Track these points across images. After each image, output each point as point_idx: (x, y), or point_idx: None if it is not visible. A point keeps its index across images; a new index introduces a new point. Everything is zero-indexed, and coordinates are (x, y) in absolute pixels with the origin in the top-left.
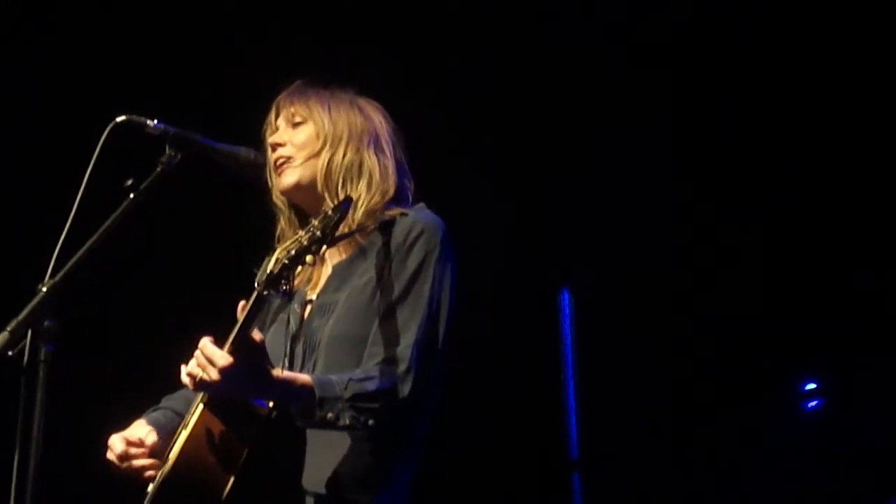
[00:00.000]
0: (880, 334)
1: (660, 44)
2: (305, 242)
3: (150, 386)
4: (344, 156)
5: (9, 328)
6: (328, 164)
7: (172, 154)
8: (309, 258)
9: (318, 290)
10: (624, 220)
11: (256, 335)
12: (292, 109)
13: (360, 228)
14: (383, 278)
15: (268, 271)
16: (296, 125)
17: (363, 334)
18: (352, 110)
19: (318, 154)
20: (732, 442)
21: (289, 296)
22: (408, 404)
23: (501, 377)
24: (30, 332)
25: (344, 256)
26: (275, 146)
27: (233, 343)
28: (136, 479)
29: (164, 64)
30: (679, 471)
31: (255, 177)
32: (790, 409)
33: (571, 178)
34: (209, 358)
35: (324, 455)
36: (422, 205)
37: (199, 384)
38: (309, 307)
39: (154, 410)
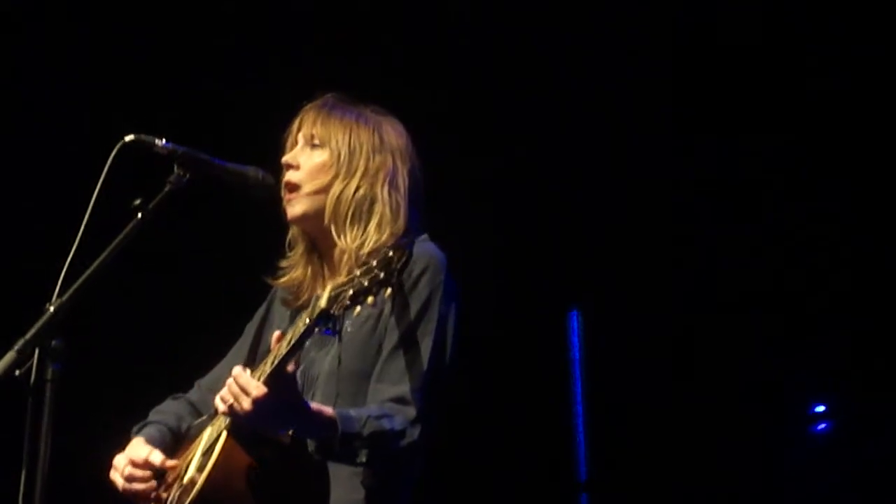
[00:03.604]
0: (890, 357)
1: (673, 61)
2: (366, 284)
3: (155, 403)
4: (356, 190)
5: (16, 347)
6: (338, 197)
7: (181, 174)
8: (370, 300)
9: None
10: (633, 242)
11: (290, 367)
12: (313, 130)
13: (370, 270)
14: (385, 314)
15: (322, 308)
16: (313, 146)
17: (362, 369)
18: (373, 138)
19: (328, 186)
20: (741, 464)
21: (337, 334)
22: (418, 447)
23: (510, 398)
24: (37, 352)
25: None
26: (287, 166)
27: (270, 374)
28: (141, 500)
29: (173, 82)
30: (688, 493)
31: (263, 196)
32: (799, 432)
33: (581, 199)
34: (243, 387)
35: (338, 480)
36: (425, 236)
37: (231, 412)
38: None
39: (145, 425)
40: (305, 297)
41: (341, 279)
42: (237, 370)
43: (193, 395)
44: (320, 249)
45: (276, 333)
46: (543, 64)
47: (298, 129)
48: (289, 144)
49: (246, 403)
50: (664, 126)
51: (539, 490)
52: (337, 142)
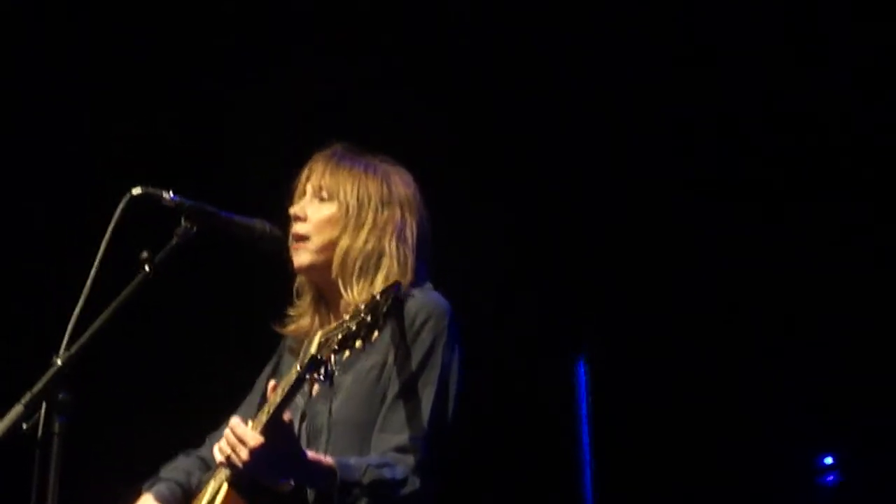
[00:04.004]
0: None
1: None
2: (354, 328)
3: (163, 458)
4: (364, 243)
5: (23, 400)
6: (346, 251)
7: (188, 226)
8: (358, 344)
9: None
10: (641, 290)
11: (286, 416)
12: (321, 181)
13: (357, 314)
14: (389, 364)
15: (311, 354)
16: (322, 199)
17: (366, 419)
18: (382, 190)
19: (336, 239)
20: None
21: (330, 380)
22: (419, 495)
23: (517, 447)
24: (44, 405)
25: None
26: (296, 218)
27: (266, 424)
28: None
29: (180, 136)
30: None
31: (270, 249)
32: (807, 484)
33: (589, 247)
34: (240, 438)
35: None
36: (429, 285)
37: (229, 463)
38: (316, 386)
39: (155, 482)
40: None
41: (331, 326)
42: (234, 421)
43: (204, 450)
44: (327, 299)
45: (272, 384)
46: (553, 104)
47: (307, 179)
48: (297, 194)
49: (243, 454)
50: (674, 179)
51: None
52: (345, 195)
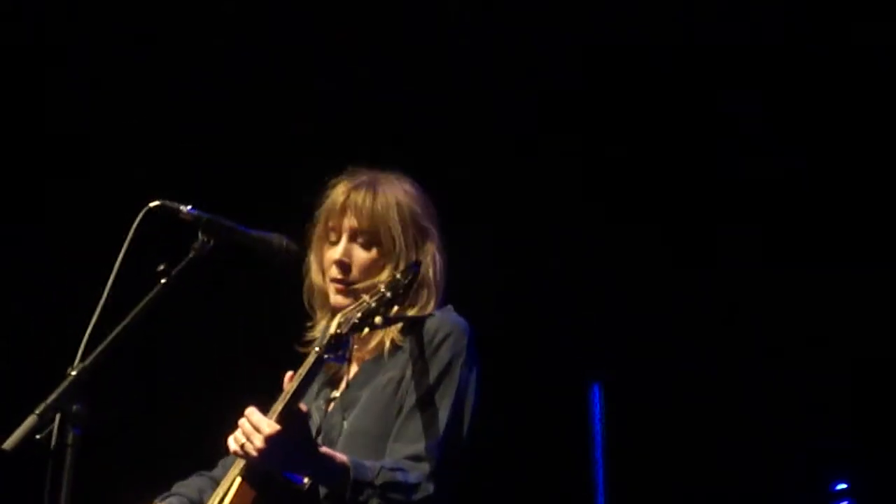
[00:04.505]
0: None
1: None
2: (374, 305)
3: (173, 471)
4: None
5: (37, 411)
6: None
7: (205, 240)
8: (378, 320)
9: (343, 387)
10: (655, 315)
11: (303, 406)
12: (360, 227)
13: (377, 292)
14: (407, 378)
15: (330, 333)
16: (361, 244)
17: (381, 431)
18: (416, 225)
19: (380, 274)
20: None
21: (347, 361)
22: (432, 502)
23: (531, 473)
24: (58, 416)
25: (370, 356)
26: (340, 264)
27: (281, 412)
28: None
29: (197, 149)
30: None
31: (287, 263)
32: None
33: (601, 270)
34: (255, 426)
35: None
36: (450, 307)
37: (244, 452)
38: (332, 404)
39: (167, 497)
40: (332, 370)
41: (349, 308)
42: (249, 409)
43: (217, 472)
44: None
45: (288, 374)
46: (561, 124)
47: (341, 217)
48: (329, 227)
49: (258, 441)
50: (682, 205)
51: None
52: (386, 238)
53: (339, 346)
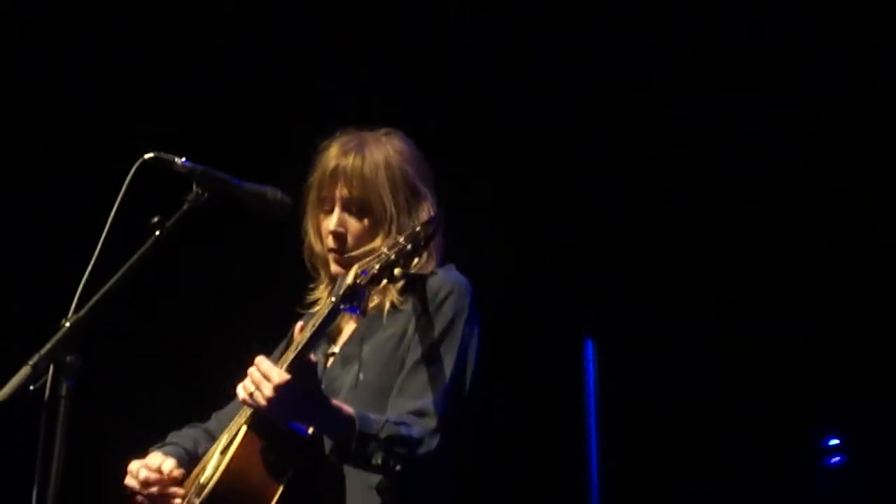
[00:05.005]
0: None
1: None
2: (393, 257)
3: (167, 422)
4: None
5: (31, 362)
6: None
7: (199, 192)
8: (397, 271)
9: (341, 342)
10: (649, 270)
11: (313, 358)
12: (352, 194)
13: (397, 244)
14: (409, 333)
15: (347, 284)
16: (354, 212)
17: (384, 385)
18: (408, 185)
19: (374, 240)
20: (754, 495)
21: (362, 312)
22: (434, 457)
23: (524, 427)
24: (52, 367)
25: (370, 313)
26: (336, 234)
27: (292, 362)
28: None
29: (193, 100)
30: None
31: (280, 216)
32: (812, 465)
33: (597, 225)
34: (265, 374)
35: (353, 495)
36: (451, 265)
37: (253, 400)
38: (332, 359)
39: (162, 446)
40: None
41: (366, 259)
42: (259, 358)
43: (211, 424)
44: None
45: (299, 324)
46: (566, 89)
47: (332, 183)
48: (323, 196)
49: (267, 390)
50: (681, 154)
51: None
52: (379, 204)
53: (354, 297)
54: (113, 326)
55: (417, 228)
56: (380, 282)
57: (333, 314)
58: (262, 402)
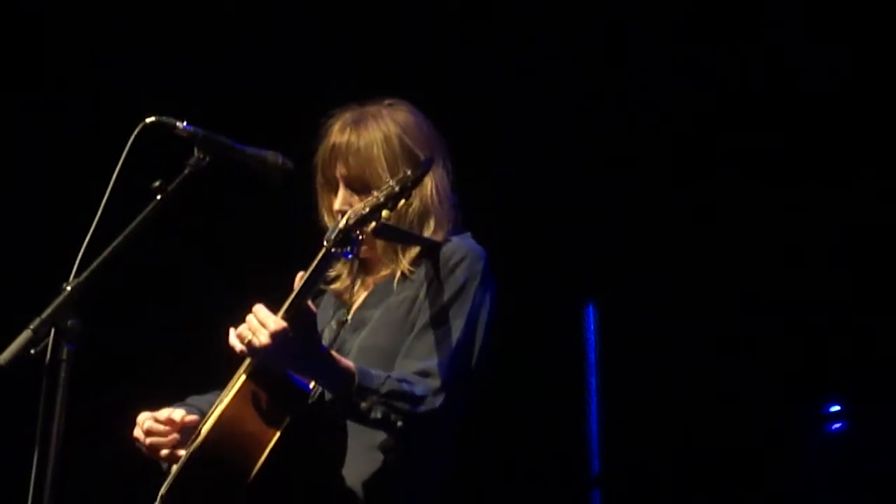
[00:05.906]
0: None
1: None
2: (382, 199)
3: (173, 389)
4: (408, 208)
5: (32, 326)
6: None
7: (200, 156)
8: (385, 213)
9: (353, 309)
10: (650, 236)
11: (311, 306)
12: (353, 172)
13: (387, 187)
14: (421, 297)
15: (339, 228)
16: (357, 189)
17: (393, 348)
18: (411, 157)
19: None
20: (755, 462)
21: (356, 256)
22: (437, 416)
23: (525, 392)
24: (53, 331)
25: (382, 280)
26: (341, 214)
27: (288, 308)
28: (160, 458)
29: (194, 64)
30: (700, 489)
31: (282, 181)
32: (813, 432)
33: (598, 192)
34: (262, 321)
35: (356, 454)
36: (467, 234)
37: (249, 347)
38: (345, 324)
39: (178, 406)
40: (346, 297)
41: (359, 204)
42: (257, 306)
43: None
44: (365, 260)
45: (300, 274)
46: (556, 61)
47: (332, 162)
48: (326, 175)
49: (264, 337)
50: (682, 120)
51: (552, 484)
52: (375, 181)
53: (347, 241)
54: (116, 290)
55: (408, 172)
56: (369, 223)
57: (326, 258)
58: (259, 348)
